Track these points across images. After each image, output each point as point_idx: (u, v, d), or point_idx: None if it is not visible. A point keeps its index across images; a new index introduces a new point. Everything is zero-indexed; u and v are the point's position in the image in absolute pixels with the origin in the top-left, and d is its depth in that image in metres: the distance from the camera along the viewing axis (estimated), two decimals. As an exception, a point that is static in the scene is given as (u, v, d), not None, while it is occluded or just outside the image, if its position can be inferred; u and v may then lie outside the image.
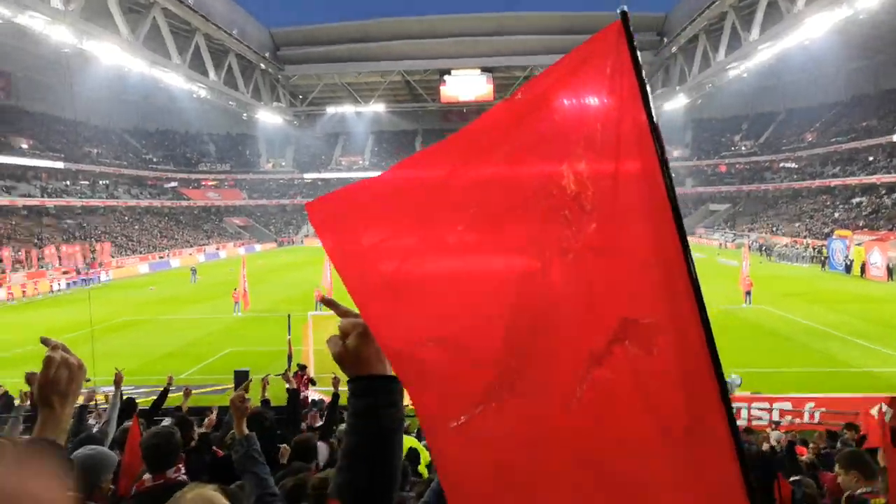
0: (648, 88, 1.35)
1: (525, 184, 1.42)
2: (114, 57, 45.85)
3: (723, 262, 41.99)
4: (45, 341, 1.47)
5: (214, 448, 5.23)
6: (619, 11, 1.40)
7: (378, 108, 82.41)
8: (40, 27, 38.81)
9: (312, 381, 13.05)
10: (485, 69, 77.58)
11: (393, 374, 1.28)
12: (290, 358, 15.84)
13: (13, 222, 50.00)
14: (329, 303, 1.42)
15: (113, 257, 50.58)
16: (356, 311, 1.35)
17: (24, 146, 56.60)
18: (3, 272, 39.96)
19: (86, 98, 68.20)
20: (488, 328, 1.33)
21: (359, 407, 1.25)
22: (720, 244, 57.54)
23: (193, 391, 16.11)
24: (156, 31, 49.17)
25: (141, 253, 54.43)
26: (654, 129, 1.33)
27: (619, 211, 1.34)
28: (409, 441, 7.04)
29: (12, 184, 53.53)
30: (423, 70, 77.70)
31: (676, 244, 1.28)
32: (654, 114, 1.34)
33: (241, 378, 13.43)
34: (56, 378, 1.39)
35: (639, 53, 1.35)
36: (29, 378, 5.15)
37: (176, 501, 1.31)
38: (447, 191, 1.44)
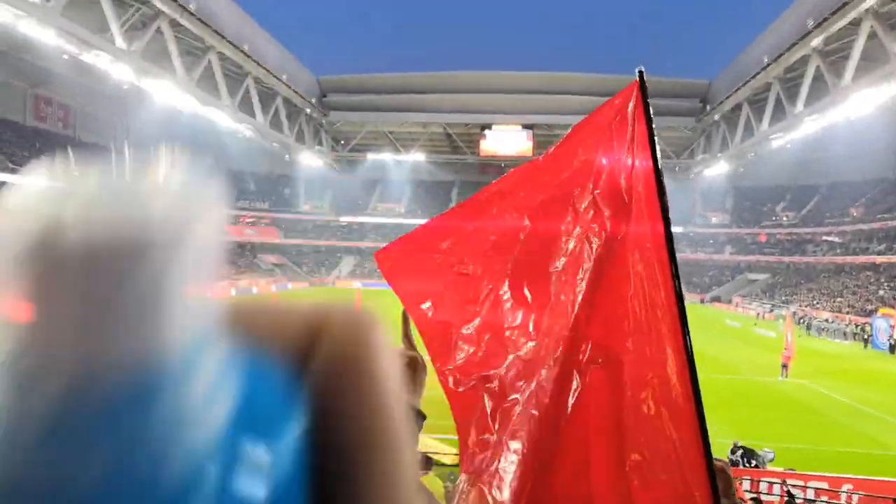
0: (656, 138, 1.44)
1: (549, 233, 1.58)
2: (168, 95, 47.65)
3: (759, 332, 40.78)
4: None
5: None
6: (637, 71, 1.55)
7: (417, 157, 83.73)
8: (104, 65, 40.61)
9: None
10: (525, 126, 78.53)
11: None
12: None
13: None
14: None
15: None
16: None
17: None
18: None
19: (138, 132, 70.81)
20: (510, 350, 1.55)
21: None
22: (757, 314, 56.07)
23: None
24: (209, 73, 51.12)
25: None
26: (657, 172, 1.42)
27: (618, 248, 1.45)
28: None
29: (60, 210, 55.15)
30: (465, 123, 79.00)
31: (669, 291, 1.35)
32: (658, 158, 1.43)
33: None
34: None
35: (655, 115, 1.47)
36: None
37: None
38: (484, 241, 1.67)
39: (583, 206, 1.48)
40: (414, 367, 1.34)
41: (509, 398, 1.45)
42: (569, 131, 1.64)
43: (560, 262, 1.47)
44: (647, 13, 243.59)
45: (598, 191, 1.48)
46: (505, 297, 1.55)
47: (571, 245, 1.47)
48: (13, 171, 50.39)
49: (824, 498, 11.29)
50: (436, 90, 75.46)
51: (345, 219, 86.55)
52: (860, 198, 66.28)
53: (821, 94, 46.34)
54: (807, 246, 69.05)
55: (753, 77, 54.31)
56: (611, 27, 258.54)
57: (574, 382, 1.35)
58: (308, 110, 73.50)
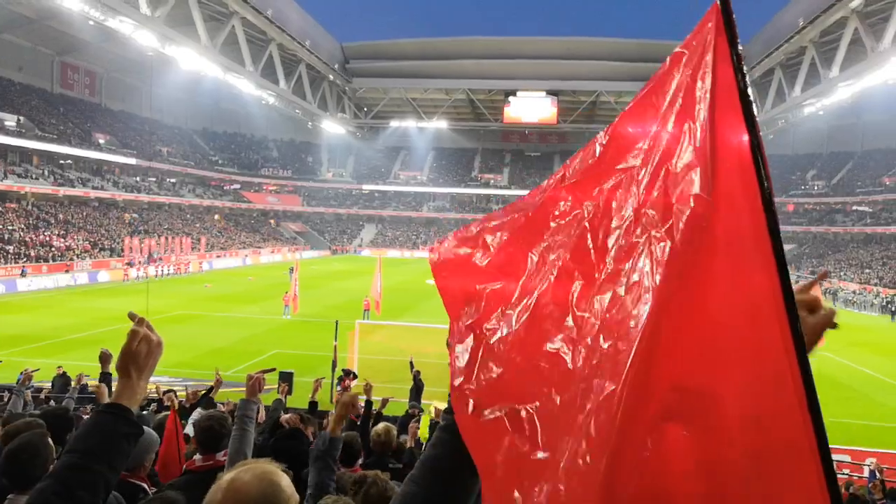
0: (752, 93, 1.05)
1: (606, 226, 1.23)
2: (191, 61, 47.64)
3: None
4: (131, 316, 1.59)
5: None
6: None
7: (440, 124, 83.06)
8: (128, 31, 40.67)
9: (354, 375, 13.09)
10: (550, 92, 77.31)
11: None
12: (334, 364, 15.87)
13: (84, 213, 52.27)
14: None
15: (194, 250, 53.96)
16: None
17: (102, 141, 59.28)
18: (72, 260, 41.69)
19: (161, 98, 71.30)
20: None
21: (452, 422, 1.25)
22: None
23: (238, 389, 16.21)
24: (232, 39, 50.91)
25: (198, 251, 56.00)
26: (754, 141, 1.05)
27: (698, 248, 1.02)
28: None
29: (88, 176, 56.09)
30: (488, 90, 78.01)
31: (777, 298, 0.93)
32: (756, 123, 1.06)
33: (286, 379, 13.50)
34: (136, 351, 1.51)
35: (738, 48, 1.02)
36: (102, 356, 5.22)
37: (236, 480, 1.31)
38: (530, 235, 1.40)
39: (650, 194, 1.12)
40: None
41: (537, 455, 1.08)
42: (637, 95, 1.26)
43: (621, 267, 1.11)
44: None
45: (669, 172, 1.10)
46: (546, 309, 1.24)
47: (635, 243, 1.10)
48: (41, 139, 51.08)
49: (846, 471, 11.14)
50: (459, 56, 74.40)
51: (367, 187, 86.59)
52: (894, 166, 64.48)
53: (858, 57, 44.80)
54: (836, 216, 67.56)
55: (787, 40, 52.59)
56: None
57: (641, 448, 0.94)
58: (331, 77, 73.06)
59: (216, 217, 70.65)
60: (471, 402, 1.24)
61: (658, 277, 1.01)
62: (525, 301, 1.29)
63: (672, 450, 0.93)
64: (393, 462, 5.18)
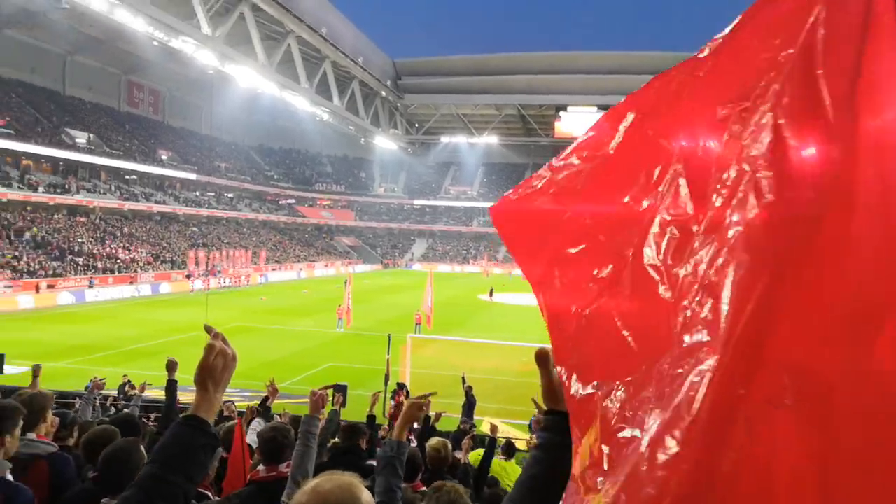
0: None
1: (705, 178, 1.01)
2: (249, 79, 49.16)
3: None
4: (207, 329, 1.63)
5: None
6: None
7: (491, 140, 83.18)
8: (190, 50, 42.31)
9: (407, 393, 13.05)
10: (601, 107, 76.50)
11: None
12: (387, 377, 15.88)
13: (147, 226, 54.30)
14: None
15: (268, 262, 56.78)
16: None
17: (164, 157, 61.64)
18: (136, 272, 43.28)
19: (220, 116, 73.74)
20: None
21: (552, 442, 1.27)
22: None
23: (292, 400, 16.42)
24: (288, 57, 52.33)
25: (255, 264, 57.38)
26: None
27: (822, 211, 0.82)
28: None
29: (151, 191, 58.33)
30: (539, 105, 77.81)
31: None
32: None
33: (340, 391, 13.59)
34: (213, 364, 1.52)
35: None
36: (169, 364, 5.36)
37: (318, 487, 1.30)
38: (614, 187, 1.24)
39: (756, 140, 0.91)
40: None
41: (621, 434, 0.97)
42: (735, 22, 1.03)
43: (726, 219, 0.90)
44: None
45: (783, 115, 0.89)
46: (640, 271, 1.07)
47: (734, 203, 0.90)
48: (109, 155, 53.45)
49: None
50: (510, 72, 74.52)
51: (418, 202, 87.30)
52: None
53: None
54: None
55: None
56: (689, 4, 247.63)
57: (736, 434, 0.81)
58: (383, 93, 74.19)
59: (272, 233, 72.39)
60: (572, 378, 1.16)
61: (777, 239, 0.84)
62: (615, 262, 1.15)
63: (779, 437, 0.81)
64: (448, 478, 5.08)
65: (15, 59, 51.38)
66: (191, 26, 40.61)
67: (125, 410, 9.01)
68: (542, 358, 1.30)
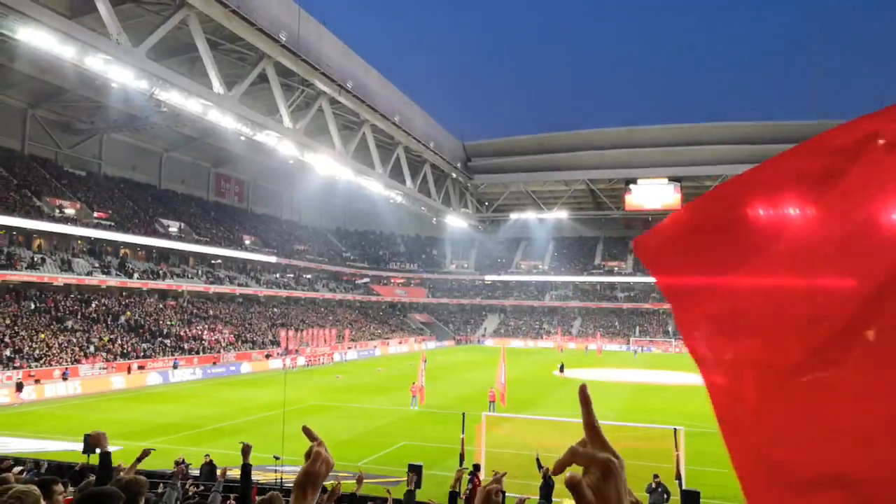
0: None
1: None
2: (326, 167, 51.79)
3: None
4: (307, 433, 1.65)
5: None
6: None
7: (560, 214, 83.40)
8: (273, 143, 45.27)
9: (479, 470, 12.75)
10: (672, 178, 75.83)
11: None
12: (462, 456, 15.64)
13: (230, 308, 56.72)
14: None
15: (353, 340, 58.70)
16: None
17: (247, 242, 64.97)
18: (219, 352, 44.97)
19: (300, 201, 77.58)
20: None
21: None
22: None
23: (366, 480, 16.31)
24: (363, 144, 55.01)
25: (341, 342, 58.52)
26: None
27: None
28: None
29: (234, 274, 61.28)
30: (608, 178, 77.88)
31: None
32: None
33: (415, 472, 13.47)
34: (318, 471, 1.55)
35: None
36: (245, 449, 5.60)
37: None
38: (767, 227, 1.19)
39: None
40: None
41: None
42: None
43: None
44: (797, 53, 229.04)
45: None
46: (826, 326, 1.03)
47: None
48: (198, 242, 56.77)
49: None
50: (578, 148, 75.42)
51: (489, 277, 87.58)
52: None
53: None
54: None
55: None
56: (763, 72, 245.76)
57: None
58: (454, 175, 76.29)
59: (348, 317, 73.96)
60: (782, 472, 1.00)
61: None
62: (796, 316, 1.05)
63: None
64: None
65: (118, 158, 56.47)
66: (274, 121, 43.63)
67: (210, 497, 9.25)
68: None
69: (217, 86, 37.43)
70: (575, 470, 0.99)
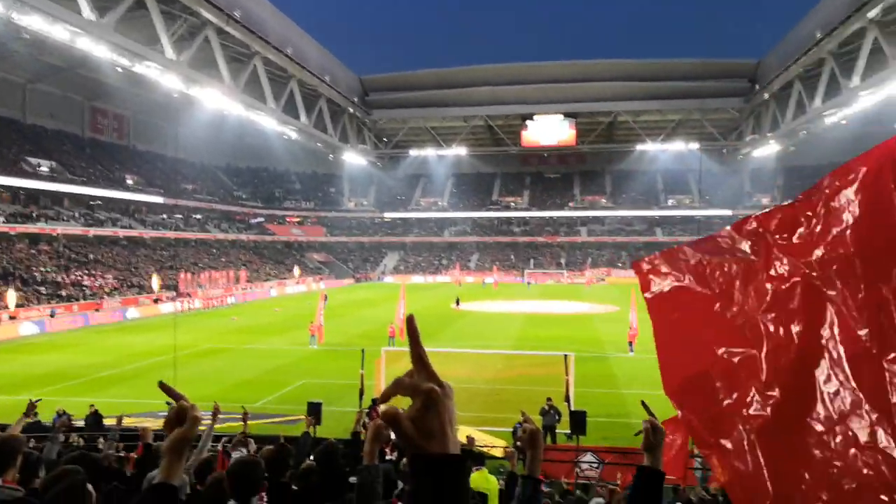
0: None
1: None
2: (215, 101, 48.86)
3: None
4: (167, 391, 1.58)
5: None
6: None
7: (459, 151, 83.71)
8: (155, 75, 41.93)
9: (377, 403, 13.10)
10: (567, 114, 77.62)
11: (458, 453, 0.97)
12: (361, 392, 15.89)
13: (113, 252, 53.41)
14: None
15: (250, 282, 57.66)
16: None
17: (130, 182, 60.79)
18: (101, 298, 42.49)
19: (187, 138, 72.96)
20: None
21: (422, 488, 0.94)
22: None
23: (266, 420, 16.32)
24: (254, 77, 52.13)
25: (237, 284, 56.76)
26: None
27: None
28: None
29: (117, 216, 57.43)
30: (506, 115, 78.59)
31: None
32: None
33: (314, 410, 13.56)
34: (194, 434, 1.52)
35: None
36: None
37: None
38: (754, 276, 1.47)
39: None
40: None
41: None
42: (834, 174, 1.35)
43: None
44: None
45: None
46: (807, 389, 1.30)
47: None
48: (72, 182, 52.50)
49: None
50: (476, 84, 75.13)
51: (388, 215, 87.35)
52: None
53: (879, 66, 44.29)
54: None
55: (805, 53, 52.25)
56: (649, 8, 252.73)
57: None
58: (351, 110, 74.25)
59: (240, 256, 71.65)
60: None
61: None
62: (784, 379, 1.32)
63: None
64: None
65: (-29, 87, 50.37)
66: (154, 51, 40.21)
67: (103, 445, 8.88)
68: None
69: (87, 11, 33.85)
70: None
